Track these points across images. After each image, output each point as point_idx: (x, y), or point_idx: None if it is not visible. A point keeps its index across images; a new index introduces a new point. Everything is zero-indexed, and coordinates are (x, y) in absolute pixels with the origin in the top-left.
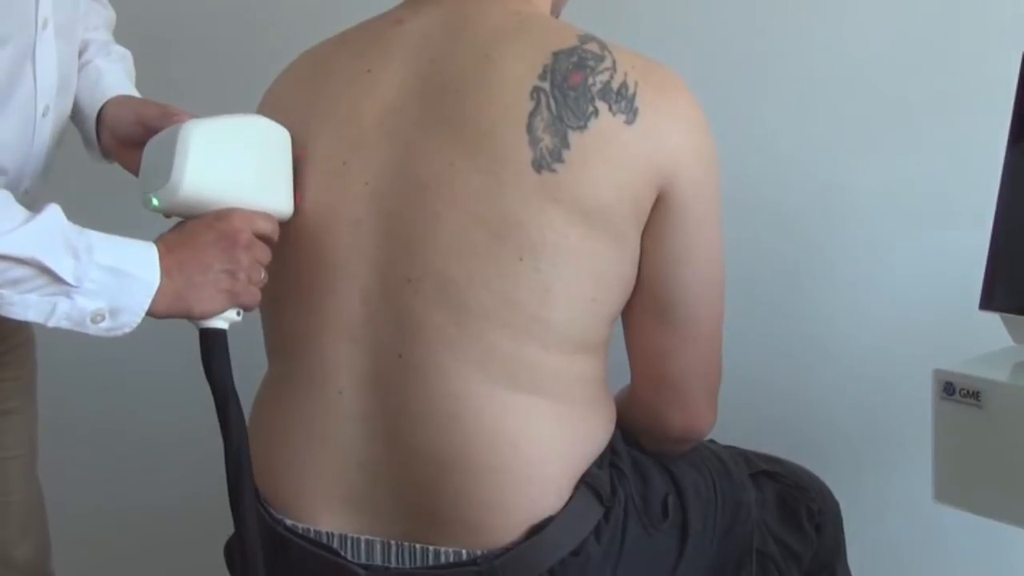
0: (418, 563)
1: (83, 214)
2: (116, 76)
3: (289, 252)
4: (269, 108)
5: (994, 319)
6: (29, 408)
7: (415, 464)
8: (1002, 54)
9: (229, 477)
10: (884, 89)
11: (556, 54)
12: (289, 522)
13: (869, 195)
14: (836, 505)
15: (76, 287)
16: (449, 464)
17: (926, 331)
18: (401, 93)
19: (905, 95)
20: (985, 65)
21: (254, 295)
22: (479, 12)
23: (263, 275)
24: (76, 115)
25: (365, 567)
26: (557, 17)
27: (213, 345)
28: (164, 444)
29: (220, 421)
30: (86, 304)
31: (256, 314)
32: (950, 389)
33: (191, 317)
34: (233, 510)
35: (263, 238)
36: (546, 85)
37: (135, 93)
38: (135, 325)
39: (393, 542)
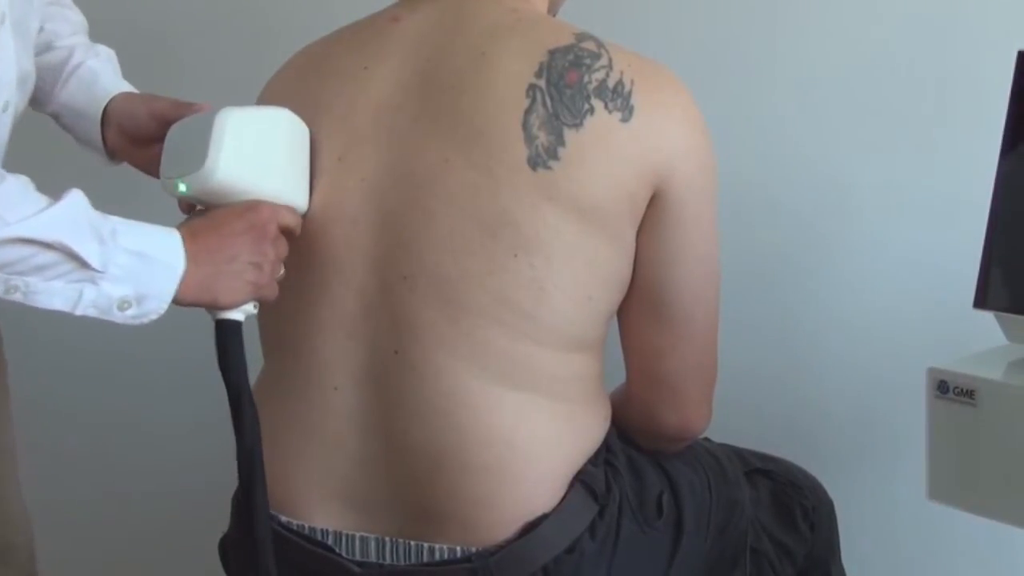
0: (413, 560)
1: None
2: (111, 75)
3: None
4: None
5: (988, 317)
6: (4, 435)
7: (410, 461)
8: (1000, 53)
9: (241, 476)
10: (882, 88)
11: (552, 52)
12: (284, 519)
13: (865, 193)
14: (830, 503)
15: (102, 272)
16: (443, 461)
17: (921, 329)
18: (397, 90)
19: (903, 94)
20: (983, 64)
21: (275, 289)
22: (476, 10)
23: (282, 270)
24: (72, 118)
25: (360, 564)
26: (555, 16)
27: (229, 336)
28: (162, 439)
29: (233, 417)
30: (112, 290)
31: None
32: (944, 387)
33: (216, 306)
34: (245, 509)
35: (286, 232)
36: (542, 83)
37: (133, 90)
38: (162, 312)
39: (388, 539)
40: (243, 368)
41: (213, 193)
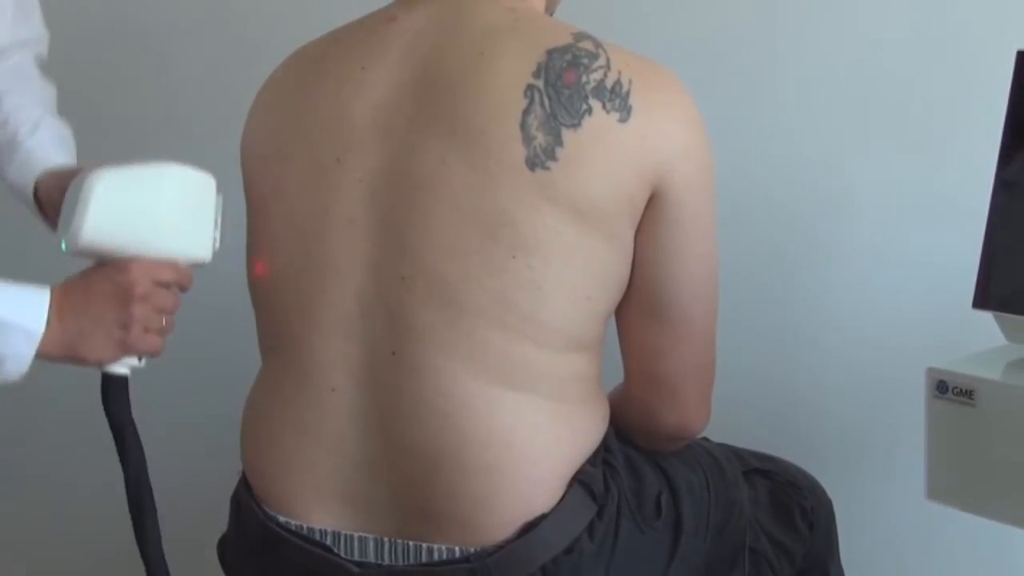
0: (411, 560)
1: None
2: (44, 152)
3: (282, 250)
4: (263, 106)
5: (987, 318)
6: None
7: (408, 461)
8: (1000, 53)
9: (131, 510)
10: (881, 88)
11: (550, 52)
12: (282, 519)
13: (864, 193)
14: (829, 503)
15: None
16: (441, 462)
17: (920, 329)
18: (395, 90)
19: (901, 94)
20: (982, 64)
21: (150, 344)
22: (473, 9)
23: (164, 322)
24: (17, 194)
25: (358, 564)
26: (551, 15)
27: (112, 389)
28: (161, 439)
29: (120, 458)
30: None
31: (250, 311)
32: (943, 387)
33: (84, 364)
34: (138, 541)
35: (170, 284)
36: (540, 83)
37: (66, 161)
38: (23, 372)
39: (387, 539)
40: (126, 414)
41: (87, 252)
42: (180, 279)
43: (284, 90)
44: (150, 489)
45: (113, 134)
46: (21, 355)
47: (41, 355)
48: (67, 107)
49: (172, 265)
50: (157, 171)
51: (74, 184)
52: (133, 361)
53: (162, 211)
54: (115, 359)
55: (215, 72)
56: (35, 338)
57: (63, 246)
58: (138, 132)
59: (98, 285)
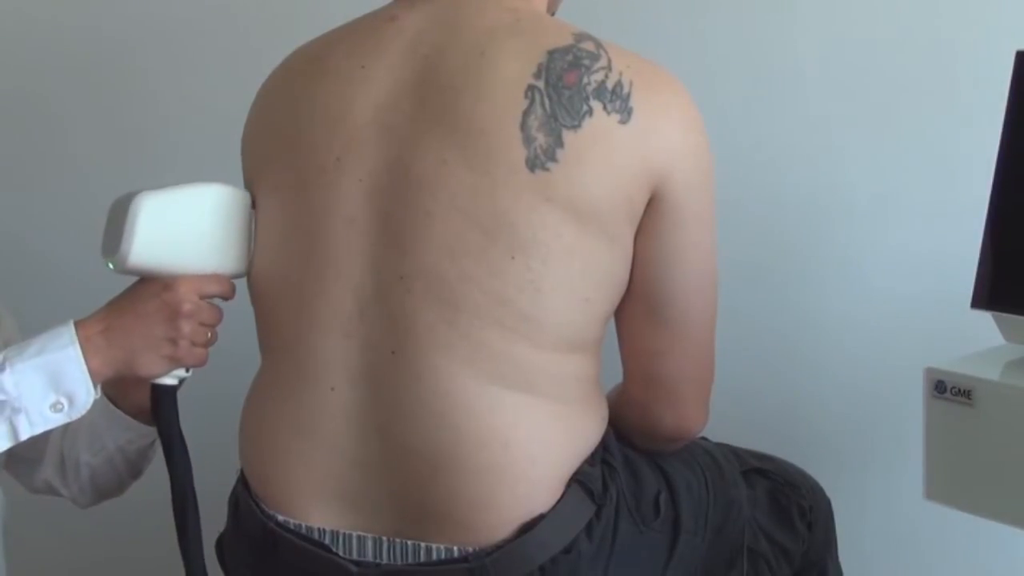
0: (410, 560)
1: None
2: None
3: (282, 249)
4: (263, 105)
5: (986, 317)
6: None
7: (406, 461)
8: (995, 53)
9: (175, 513)
10: (879, 88)
11: (551, 52)
12: (281, 518)
13: (863, 194)
14: (827, 503)
15: (17, 396)
16: (440, 462)
17: (918, 329)
18: (395, 90)
19: (896, 94)
20: (978, 64)
21: (198, 356)
22: (474, 9)
23: (209, 335)
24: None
25: (357, 563)
26: (553, 15)
27: (162, 399)
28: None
29: (167, 463)
30: (34, 405)
31: (250, 310)
32: (941, 387)
33: (138, 378)
34: (180, 542)
35: (214, 298)
36: (540, 84)
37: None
38: (92, 396)
39: (385, 538)
40: (175, 423)
41: (134, 271)
42: (223, 292)
43: (285, 89)
44: (194, 493)
45: (117, 131)
46: (82, 383)
47: (96, 374)
48: (77, 105)
49: (215, 280)
50: (197, 192)
51: (117, 202)
52: (181, 372)
53: (203, 230)
54: (165, 373)
55: (216, 70)
56: (80, 360)
57: (109, 265)
58: (141, 129)
59: (146, 304)
